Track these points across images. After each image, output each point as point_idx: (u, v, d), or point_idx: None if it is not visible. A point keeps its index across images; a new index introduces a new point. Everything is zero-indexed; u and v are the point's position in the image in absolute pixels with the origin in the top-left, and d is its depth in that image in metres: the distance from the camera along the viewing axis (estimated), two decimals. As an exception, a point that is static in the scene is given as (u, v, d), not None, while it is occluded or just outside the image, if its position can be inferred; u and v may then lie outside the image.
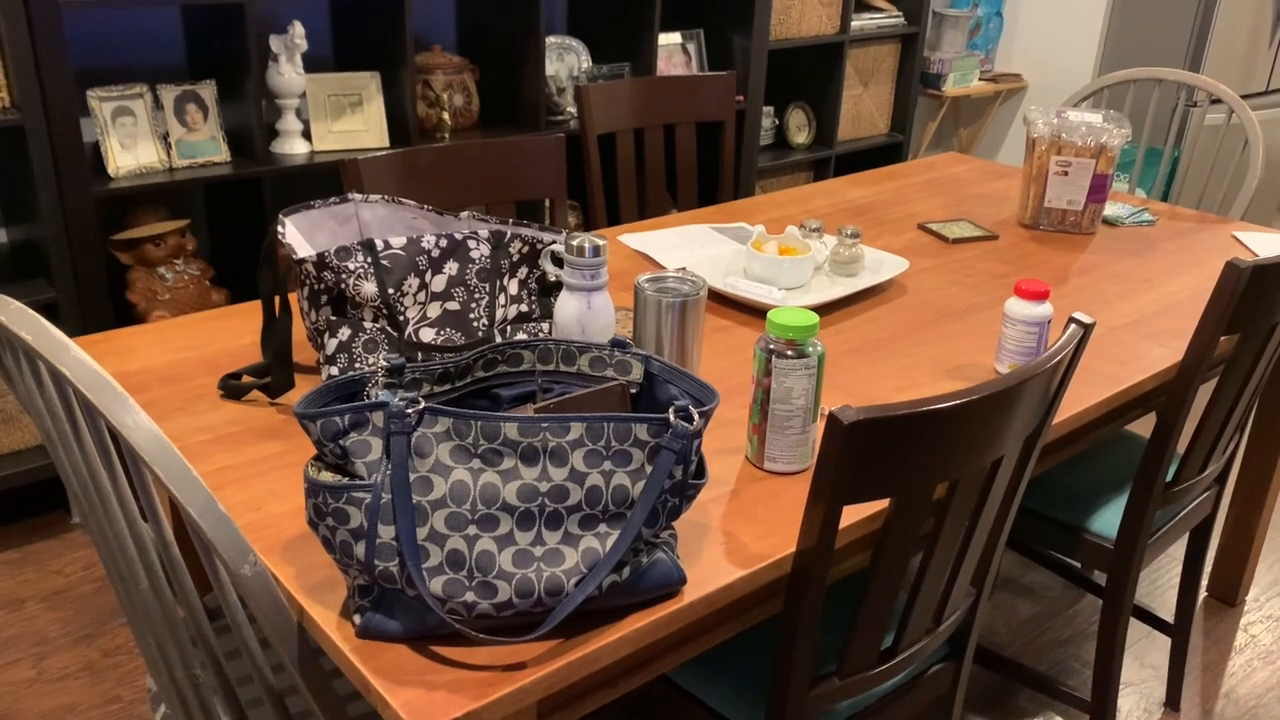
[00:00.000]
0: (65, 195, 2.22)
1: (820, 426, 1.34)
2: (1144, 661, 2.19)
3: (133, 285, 2.46)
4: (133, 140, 2.42)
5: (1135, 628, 2.28)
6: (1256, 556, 2.35)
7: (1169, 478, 1.72)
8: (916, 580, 1.22)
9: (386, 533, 0.94)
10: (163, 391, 1.41)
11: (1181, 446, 2.53)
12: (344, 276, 1.33)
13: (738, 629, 1.19)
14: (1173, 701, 2.05)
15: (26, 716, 1.94)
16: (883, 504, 1.21)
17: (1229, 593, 2.37)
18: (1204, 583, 2.42)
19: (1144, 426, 2.94)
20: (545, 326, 1.46)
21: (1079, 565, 2.19)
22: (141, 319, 2.46)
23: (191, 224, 2.57)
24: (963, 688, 1.48)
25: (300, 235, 1.42)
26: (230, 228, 2.70)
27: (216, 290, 2.58)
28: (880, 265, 1.90)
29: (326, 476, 0.97)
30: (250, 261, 2.65)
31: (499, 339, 1.41)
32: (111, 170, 2.38)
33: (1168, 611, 2.34)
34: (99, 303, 2.32)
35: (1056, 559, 2.04)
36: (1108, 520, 1.78)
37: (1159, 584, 2.45)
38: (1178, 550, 2.55)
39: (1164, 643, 2.24)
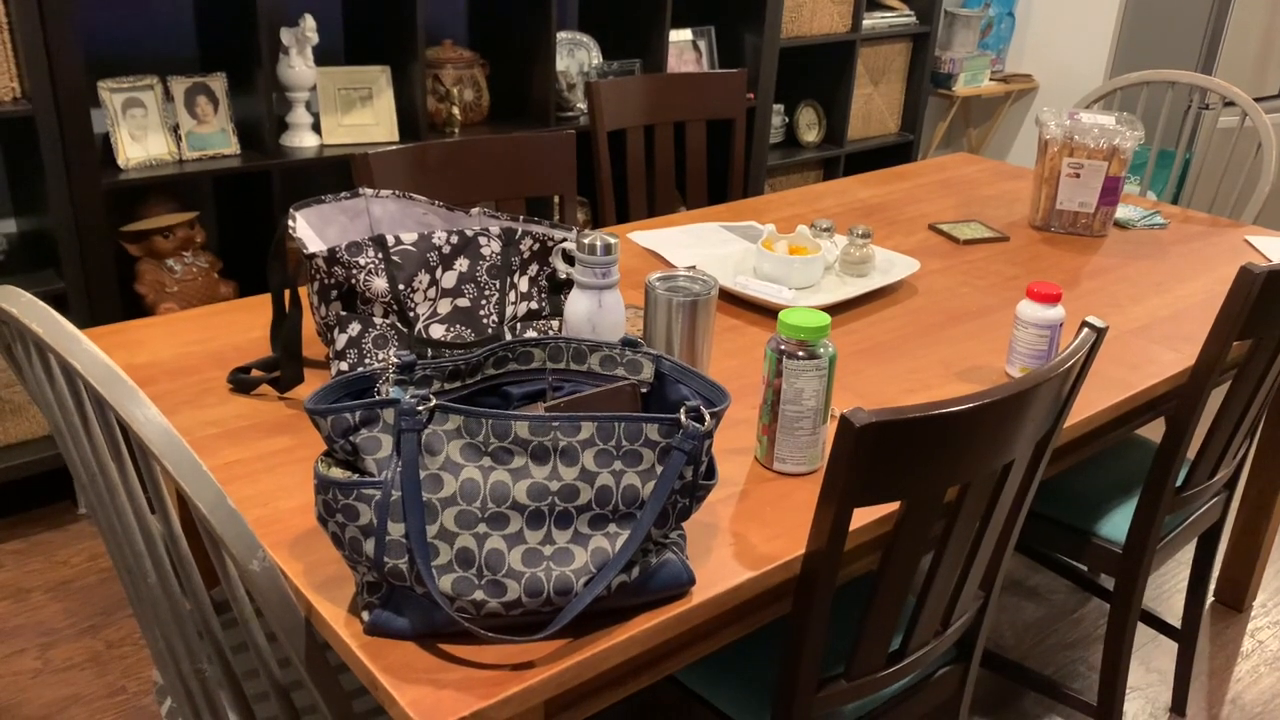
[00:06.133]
0: (75, 186, 2.22)
1: (830, 428, 1.33)
2: (1150, 666, 2.18)
3: (141, 277, 2.47)
4: (143, 132, 2.42)
5: (1142, 632, 2.28)
6: (1265, 562, 2.34)
7: (1179, 483, 1.71)
8: (925, 583, 1.22)
9: (396, 530, 0.94)
10: (171, 385, 1.41)
11: (1192, 452, 2.52)
12: (354, 272, 1.33)
13: (746, 630, 1.18)
14: (1179, 707, 2.04)
15: (31, 707, 1.94)
16: (893, 506, 1.21)
17: (1236, 598, 2.36)
18: (1211, 588, 2.41)
19: (1154, 431, 2.93)
20: (555, 324, 1.45)
21: (1086, 569, 2.19)
22: (150, 310, 2.46)
23: (200, 216, 2.57)
24: (970, 690, 1.47)
25: (311, 230, 1.41)
26: (239, 220, 2.70)
27: (225, 283, 2.58)
28: (891, 266, 1.89)
29: (337, 473, 0.97)
30: (259, 254, 2.65)
31: (509, 336, 1.41)
32: (121, 162, 2.38)
33: (1175, 616, 2.34)
34: (107, 294, 2.32)
35: (1064, 562, 2.03)
36: (1116, 524, 1.77)
37: (1166, 589, 2.44)
38: (1185, 555, 2.54)
39: (1170, 647, 2.24)
